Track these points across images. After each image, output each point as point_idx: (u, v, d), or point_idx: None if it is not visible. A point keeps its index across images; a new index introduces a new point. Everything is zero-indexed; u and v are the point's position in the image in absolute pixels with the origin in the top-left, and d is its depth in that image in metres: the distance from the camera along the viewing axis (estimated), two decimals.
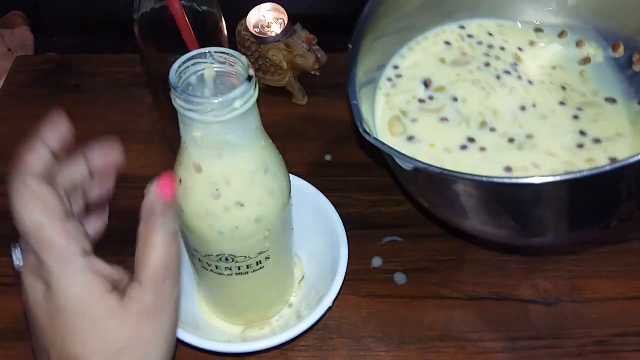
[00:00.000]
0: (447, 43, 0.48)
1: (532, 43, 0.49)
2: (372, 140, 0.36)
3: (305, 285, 0.46)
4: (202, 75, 0.32)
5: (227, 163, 0.32)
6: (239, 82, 0.31)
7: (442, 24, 0.49)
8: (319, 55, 0.58)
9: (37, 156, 0.30)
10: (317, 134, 0.60)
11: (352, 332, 0.45)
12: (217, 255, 0.37)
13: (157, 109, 0.56)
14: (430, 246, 0.50)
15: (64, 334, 0.29)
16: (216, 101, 0.29)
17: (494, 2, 0.48)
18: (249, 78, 0.30)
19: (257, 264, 0.38)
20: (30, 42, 1.41)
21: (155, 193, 0.31)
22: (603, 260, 0.49)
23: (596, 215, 0.37)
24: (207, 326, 0.44)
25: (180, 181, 0.34)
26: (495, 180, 0.32)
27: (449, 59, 0.47)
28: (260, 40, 0.58)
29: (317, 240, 0.46)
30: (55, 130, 0.32)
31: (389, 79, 0.47)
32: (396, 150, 0.35)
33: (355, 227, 0.48)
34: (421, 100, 0.44)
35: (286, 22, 0.58)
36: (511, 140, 0.42)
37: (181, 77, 0.31)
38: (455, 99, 0.44)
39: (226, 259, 0.37)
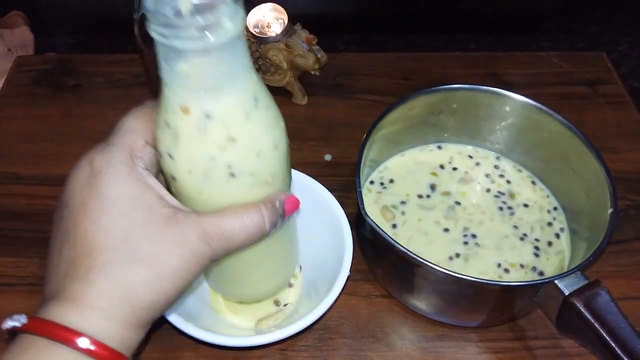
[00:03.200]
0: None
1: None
2: (372, 224, 0.40)
3: (308, 280, 0.46)
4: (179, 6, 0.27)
5: (219, 99, 0.29)
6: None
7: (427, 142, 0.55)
8: (319, 55, 0.58)
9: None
10: (317, 134, 0.60)
11: (352, 333, 0.45)
12: None
13: None
14: None
15: (93, 220, 0.29)
16: (202, 22, 0.26)
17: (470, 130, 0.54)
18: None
19: None
20: (30, 42, 1.41)
21: (284, 197, 0.33)
22: (603, 260, 0.49)
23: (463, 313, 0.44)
24: (219, 322, 0.44)
25: (167, 125, 0.30)
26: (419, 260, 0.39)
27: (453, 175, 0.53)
28: (261, 40, 0.58)
29: (322, 231, 0.46)
30: None
31: (381, 183, 0.52)
32: (392, 238, 0.40)
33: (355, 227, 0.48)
34: (420, 196, 0.51)
35: (286, 22, 0.58)
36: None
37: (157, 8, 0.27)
38: (458, 203, 0.51)
39: None
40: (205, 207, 0.32)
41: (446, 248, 0.47)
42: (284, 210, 0.33)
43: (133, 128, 0.32)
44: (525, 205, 0.51)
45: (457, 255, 0.47)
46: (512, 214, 0.50)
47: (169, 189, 0.33)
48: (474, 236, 0.48)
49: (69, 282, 0.29)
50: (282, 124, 0.33)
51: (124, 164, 0.30)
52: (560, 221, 0.50)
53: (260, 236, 0.32)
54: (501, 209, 0.50)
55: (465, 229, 0.49)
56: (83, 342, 0.27)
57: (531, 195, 0.51)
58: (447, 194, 0.51)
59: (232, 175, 0.31)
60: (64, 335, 0.27)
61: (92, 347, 0.28)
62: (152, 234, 0.29)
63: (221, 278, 0.41)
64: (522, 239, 0.48)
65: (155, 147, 0.32)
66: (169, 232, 0.29)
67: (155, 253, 0.29)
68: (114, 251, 0.29)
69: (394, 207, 0.50)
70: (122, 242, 0.29)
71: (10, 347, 0.29)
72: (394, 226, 0.49)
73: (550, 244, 0.48)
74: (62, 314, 0.28)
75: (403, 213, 0.50)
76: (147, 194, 0.30)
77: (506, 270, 0.46)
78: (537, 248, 0.48)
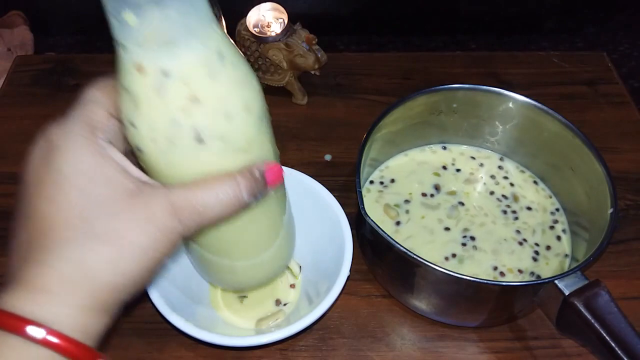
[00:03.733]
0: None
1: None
2: (371, 223, 0.40)
3: (308, 280, 0.46)
4: None
5: (176, 54, 0.26)
6: None
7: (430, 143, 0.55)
8: (319, 55, 0.58)
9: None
10: (317, 134, 0.60)
11: (352, 333, 0.45)
12: None
13: None
14: None
15: (48, 198, 0.27)
16: None
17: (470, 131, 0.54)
18: None
19: None
20: (30, 41, 1.41)
21: (264, 165, 0.30)
22: (603, 260, 0.49)
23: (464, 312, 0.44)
24: (219, 322, 0.44)
25: (126, 90, 0.28)
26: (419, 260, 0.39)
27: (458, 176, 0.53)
28: (260, 40, 0.58)
29: (322, 231, 0.46)
30: None
31: (381, 182, 0.52)
32: (390, 237, 0.40)
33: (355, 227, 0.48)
34: (424, 195, 0.51)
35: (286, 21, 0.58)
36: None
37: None
38: (462, 204, 0.51)
39: None
40: (177, 181, 0.29)
41: (444, 247, 0.47)
42: (265, 179, 0.30)
43: (94, 99, 0.29)
44: (529, 208, 0.51)
45: (454, 255, 0.47)
46: (516, 218, 0.50)
47: (138, 165, 0.31)
48: (472, 238, 0.48)
49: (24, 265, 0.27)
50: (256, 85, 0.30)
51: (81, 136, 0.28)
52: (563, 222, 0.50)
53: (238, 207, 0.29)
54: (505, 212, 0.50)
55: (466, 230, 0.49)
56: (35, 331, 0.25)
57: (534, 197, 0.51)
58: (452, 193, 0.51)
59: (200, 140, 0.28)
60: (12, 324, 0.25)
61: (50, 338, 0.25)
62: (114, 209, 0.27)
63: (212, 265, 0.38)
64: (521, 243, 0.48)
65: (119, 119, 0.29)
66: (133, 207, 0.27)
67: (117, 230, 0.27)
68: (71, 229, 0.26)
69: (397, 205, 0.50)
70: (79, 219, 0.26)
71: None
72: (398, 223, 0.49)
73: (549, 247, 0.48)
74: (15, 300, 0.26)
75: (407, 212, 0.50)
76: (108, 167, 0.27)
77: (502, 274, 0.46)
78: (536, 253, 0.48)
